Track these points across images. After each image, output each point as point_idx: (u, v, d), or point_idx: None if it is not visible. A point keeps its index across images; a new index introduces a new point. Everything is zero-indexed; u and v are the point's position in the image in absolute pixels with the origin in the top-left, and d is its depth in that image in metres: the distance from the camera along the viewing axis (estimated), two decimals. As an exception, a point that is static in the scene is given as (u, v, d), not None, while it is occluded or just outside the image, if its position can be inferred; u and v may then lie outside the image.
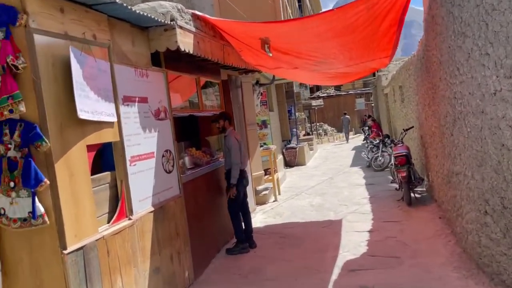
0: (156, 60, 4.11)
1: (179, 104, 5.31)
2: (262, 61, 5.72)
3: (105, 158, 3.40)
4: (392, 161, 7.01)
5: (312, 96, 28.97)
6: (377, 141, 11.21)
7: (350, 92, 31.86)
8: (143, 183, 3.53)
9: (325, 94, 31.74)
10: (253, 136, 7.84)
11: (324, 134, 26.56)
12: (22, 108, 2.46)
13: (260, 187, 8.07)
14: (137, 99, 3.59)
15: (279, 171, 9.47)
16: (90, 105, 2.82)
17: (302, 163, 13.61)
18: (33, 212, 2.49)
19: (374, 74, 28.07)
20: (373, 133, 15.25)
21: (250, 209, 6.29)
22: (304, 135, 19.46)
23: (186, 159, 5.09)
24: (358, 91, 31.69)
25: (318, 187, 9.32)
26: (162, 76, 4.15)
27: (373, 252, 4.68)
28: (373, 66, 6.52)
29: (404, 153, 6.43)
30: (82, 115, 2.71)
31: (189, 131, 6.30)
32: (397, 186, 7.28)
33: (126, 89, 3.38)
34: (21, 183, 2.50)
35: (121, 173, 3.30)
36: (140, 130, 3.55)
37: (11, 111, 2.47)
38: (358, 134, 25.84)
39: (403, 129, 7.72)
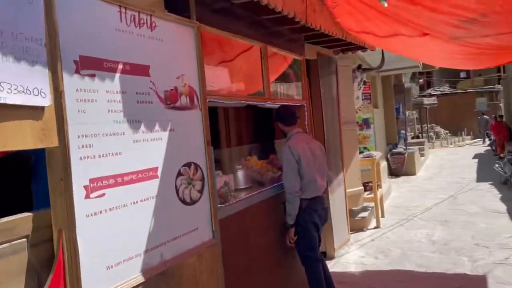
0: (180, 3, 2.59)
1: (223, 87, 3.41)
2: (370, 23, 3.90)
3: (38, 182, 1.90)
4: None
5: (422, 94, 27.34)
6: None
7: (469, 91, 29.22)
8: (122, 229, 1.93)
9: (438, 92, 29.00)
10: (351, 139, 6.11)
11: (436, 138, 24.68)
12: None
13: (356, 208, 6.38)
14: (120, 66, 1.99)
15: (382, 183, 7.71)
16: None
17: (411, 173, 12.03)
18: None
19: (498, 70, 26.83)
20: (499, 138, 14.18)
21: (342, 239, 5.27)
22: (413, 138, 18.18)
23: (240, 174, 3.52)
24: (479, 90, 29.17)
25: (436, 210, 7.27)
26: (189, 33, 2.54)
27: None
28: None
29: None
30: None
31: (248, 129, 4.79)
32: None
33: (89, 45, 1.83)
34: None
35: (61, 214, 1.68)
36: (123, 126, 1.97)
37: None
38: (478, 139, 24.99)
39: None
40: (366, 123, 9.34)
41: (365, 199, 6.56)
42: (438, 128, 26.37)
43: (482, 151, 18.04)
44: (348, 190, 5.66)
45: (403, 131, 14.02)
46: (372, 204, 6.68)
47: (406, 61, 10.07)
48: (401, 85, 14.76)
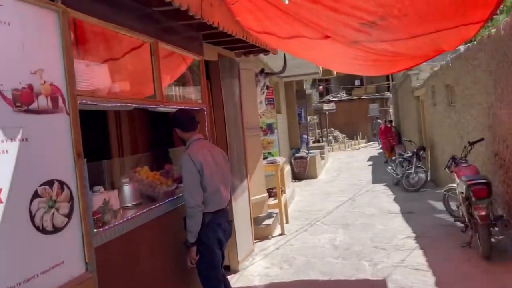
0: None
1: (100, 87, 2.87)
2: (271, 23, 3.71)
3: None
4: (461, 191, 5.09)
5: (322, 100, 28.49)
6: (409, 153, 10.06)
7: (362, 97, 31.17)
8: None
9: (336, 99, 30.73)
10: (255, 145, 5.89)
11: (335, 142, 26.18)
12: None
13: (261, 215, 6.14)
14: None
15: (286, 188, 7.56)
16: None
17: (313, 176, 12.30)
18: None
19: (388, 78, 28.93)
20: (387, 141, 14.93)
21: (246, 250, 5.06)
22: (314, 142, 18.53)
23: (126, 189, 3.07)
24: (372, 96, 31.12)
25: (338, 214, 7.49)
26: (52, 19, 2.05)
27: None
28: (443, 45, 4.19)
29: (484, 181, 4.74)
30: None
31: (142, 137, 4.41)
32: (460, 224, 5.44)
33: None
34: None
35: None
36: None
37: None
38: (371, 142, 26.69)
39: (469, 142, 5.85)
40: (270, 128, 9.37)
41: (269, 206, 6.41)
42: (336, 132, 28.27)
43: (376, 154, 19.44)
44: (252, 198, 5.45)
45: (305, 136, 14.51)
46: (277, 211, 6.59)
47: (307, 67, 10.33)
48: (302, 91, 15.29)
